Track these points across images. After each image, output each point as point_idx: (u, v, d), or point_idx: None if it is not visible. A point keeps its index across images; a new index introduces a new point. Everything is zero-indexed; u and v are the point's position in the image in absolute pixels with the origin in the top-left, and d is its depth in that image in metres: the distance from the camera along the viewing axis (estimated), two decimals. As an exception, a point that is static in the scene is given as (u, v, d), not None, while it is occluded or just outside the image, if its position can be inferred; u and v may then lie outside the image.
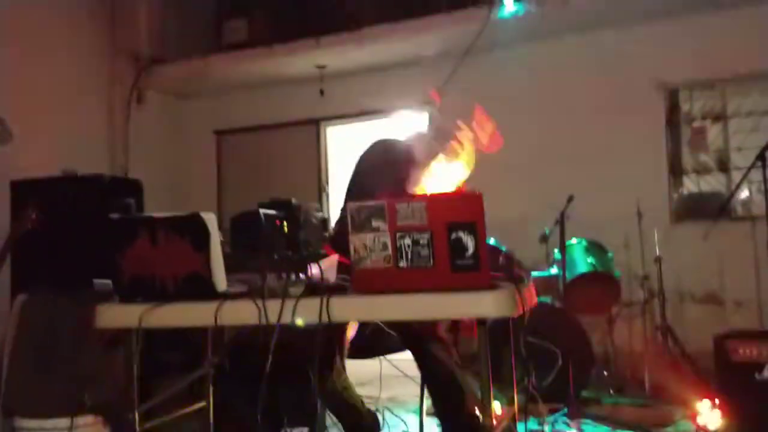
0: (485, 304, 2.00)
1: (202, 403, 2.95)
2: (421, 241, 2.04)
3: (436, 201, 2.11)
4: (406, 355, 3.49)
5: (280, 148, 6.93)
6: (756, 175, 4.38)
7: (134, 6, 6.45)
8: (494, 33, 5.46)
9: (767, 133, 4.49)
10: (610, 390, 4.29)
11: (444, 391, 2.72)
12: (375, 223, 2.09)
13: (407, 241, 2.06)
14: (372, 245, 2.09)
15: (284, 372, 2.87)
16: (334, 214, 2.93)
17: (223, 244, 2.59)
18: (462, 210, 2.01)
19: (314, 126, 6.83)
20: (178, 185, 6.80)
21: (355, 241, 2.11)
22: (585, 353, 4.00)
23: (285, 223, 2.87)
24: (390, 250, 2.07)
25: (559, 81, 5.70)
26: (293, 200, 3.15)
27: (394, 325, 2.69)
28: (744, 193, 5.35)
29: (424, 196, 2.16)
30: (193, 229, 2.28)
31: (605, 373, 4.48)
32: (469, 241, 1.99)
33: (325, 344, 2.73)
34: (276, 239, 2.79)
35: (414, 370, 3.46)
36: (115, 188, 3.72)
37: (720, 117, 5.46)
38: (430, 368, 2.73)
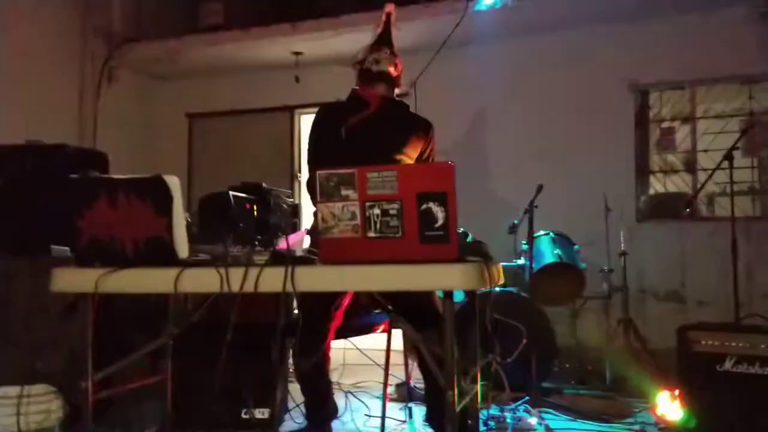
0: (453, 277, 1.98)
1: (161, 377, 2.89)
2: (390, 211, 2.01)
3: (407, 170, 2.09)
4: (371, 341, 3.47)
5: (253, 134, 6.84)
6: (721, 176, 4.46)
7: (109, -17, 6.31)
8: (471, 26, 5.46)
9: (734, 135, 4.54)
10: (571, 381, 4.33)
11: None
12: (344, 192, 2.05)
13: (376, 210, 2.03)
14: (340, 214, 2.06)
15: (247, 350, 2.83)
16: (306, 202, 2.86)
17: (190, 224, 2.53)
18: (433, 180, 1.98)
19: (288, 113, 6.76)
20: (147, 166, 6.63)
21: (323, 209, 2.08)
22: (549, 343, 4.02)
23: (255, 207, 2.82)
24: (359, 220, 2.04)
25: (533, 77, 5.73)
26: (264, 184, 3.10)
27: (387, 298, 2.53)
28: (709, 191, 5.42)
29: (395, 166, 2.11)
30: (155, 192, 2.21)
31: (567, 365, 4.52)
32: (439, 212, 1.96)
33: (314, 324, 2.66)
34: (245, 221, 2.74)
35: (379, 358, 3.43)
36: (79, 159, 3.61)
37: (689, 119, 5.54)
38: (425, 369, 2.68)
